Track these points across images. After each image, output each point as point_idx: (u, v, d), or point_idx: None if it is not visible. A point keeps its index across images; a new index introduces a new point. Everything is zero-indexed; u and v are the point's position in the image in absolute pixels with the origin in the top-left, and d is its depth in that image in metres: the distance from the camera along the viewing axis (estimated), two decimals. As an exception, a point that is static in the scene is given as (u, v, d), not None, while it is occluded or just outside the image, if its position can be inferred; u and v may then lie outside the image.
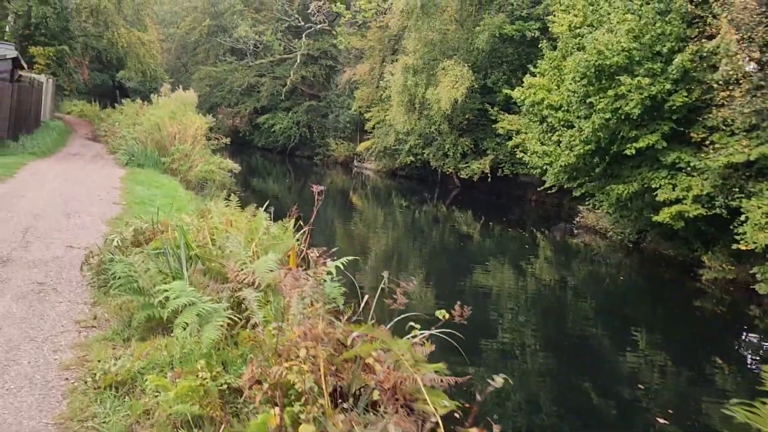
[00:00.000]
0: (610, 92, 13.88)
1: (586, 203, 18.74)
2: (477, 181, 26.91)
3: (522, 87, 18.36)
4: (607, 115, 13.96)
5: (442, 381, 2.47)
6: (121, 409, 3.38)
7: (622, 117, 13.91)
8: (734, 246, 12.32)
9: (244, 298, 3.74)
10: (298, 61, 39.52)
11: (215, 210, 6.84)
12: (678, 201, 13.56)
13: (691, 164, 13.45)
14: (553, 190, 19.65)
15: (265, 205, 7.35)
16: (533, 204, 26.50)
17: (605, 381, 8.16)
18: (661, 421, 6.71)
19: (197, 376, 3.22)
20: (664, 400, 7.52)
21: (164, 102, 19.95)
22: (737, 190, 12.50)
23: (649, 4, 14.02)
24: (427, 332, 3.66)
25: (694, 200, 13.18)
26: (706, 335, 11.21)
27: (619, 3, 14.54)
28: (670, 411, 7.12)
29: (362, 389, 3.20)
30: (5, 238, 7.28)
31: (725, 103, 12.67)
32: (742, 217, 12.08)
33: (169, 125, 17.38)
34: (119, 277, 4.86)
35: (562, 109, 16.28)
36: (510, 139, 23.51)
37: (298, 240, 6.15)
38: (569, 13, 16.98)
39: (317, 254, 2.82)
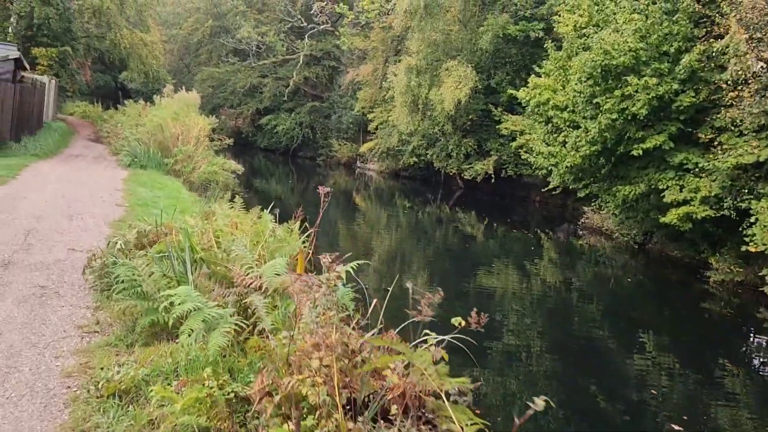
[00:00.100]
0: (617, 92, 13.76)
1: (592, 204, 18.62)
2: (480, 181, 26.80)
3: (527, 87, 18.23)
4: (614, 116, 13.84)
5: (466, 397, 2.36)
6: (125, 419, 3.27)
7: (629, 117, 13.79)
8: (743, 248, 12.18)
9: (251, 303, 3.63)
10: (301, 61, 39.44)
11: (219, 212, 6.74)
12: (685, 202, 13.43)
13: (699, 165, 13.32)
14: (557, 191, 19.53)
15: (270, 207, 7.25)
16: (537, 205, 26.38)
17: (612, 383, 8.05)
18: (676, 427, 6.59)
19: (204, 384, 3.12)
20: (672, 404, 7.40)
21: (167, 103, 19.88)
22: (746, 191, 12.36)
23: (655, 3, 13.90)
24: (439, 336, 3.55)
25: (702, 201, 13.05)
26: (714, 338, 11.09)
27: (625, 3, 14.42)
28: (684, 417, 7.01)
29: (371, 396, 3.10)
30: (7, 241, 7.19)
31: (734, 103, 12.53)
32: (752, 219, 11.94)
33: (171, 126, 17.30)
34: (122, 281, 4.76)
35: (568, 109, 16.15)
36: (514, 139, 23.42)
37: (304, 243, 6.05)
38: (574, 13, 16.86)
39: (329, 260, 2.71)
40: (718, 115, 13.19)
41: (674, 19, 13.53)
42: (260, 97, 41.90)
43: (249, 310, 3.93)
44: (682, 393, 7.93)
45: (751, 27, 11.53)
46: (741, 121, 12.40)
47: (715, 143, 13.26)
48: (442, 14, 26.59)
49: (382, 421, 2.77)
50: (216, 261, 4.91)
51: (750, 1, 11.58)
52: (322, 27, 38.94)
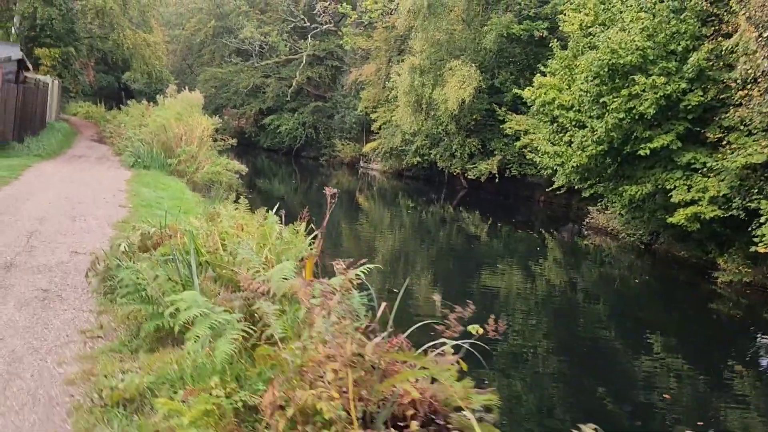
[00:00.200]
0: (624, 92, 13.65)
1: (599, 203, 18.52)
2: (484, 181, 26.70)
3: (532, 87, 18.12)
4: (621, 115, 13.73)
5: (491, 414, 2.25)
6: (130, 430, 3.17)
7: (636, 117, 13.67)
8: (752, 248, 12.06)
9: (258, 308, 3.52)
10: (304, 61, 39.36)
11: (224, 213, 6.63)
12: (693, 202, 13.31)
13: (707, 165, 13.20)
14: (561, 191, 19.43)
15: (275, 208, 7.15)
16: (541, 204, 26.28)
17: (620, 385, 7.96)
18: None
19: (211, 394, 3.02)
20: (682, 406, 7.32)
21: (170, 103, 19.81)
22: (756, 191, 12.23)
23: (663, 2, 13.79)
24: (453, 342, 3.45)
25: (710, 201, 12.93)
26: (722, 339, 11.00)
27: (632, 1, 14.32)
28: (694, 420, 6.90)
29: (382, 403, 3.00)
30: (9, 243, 7.10)
31: (743, 102, 12.40)
32: (761, 219, 11.81)
33: (175, 126, 17.22)
34: (126, 285, 4.66)
35: (574, 108, 16.04)
36: (518, 139, 23.34)
37: (310, 245, 5.94)
38: (580, 11, 16.75)
39: (343, 266, 2.61)
40: (727, 115, 13.06)
41: (682, 17, 13.42)
42: (263, 97, 41.83)
43: (256, 315, 3.82)
44: (691, 395, 7.84)
45: (761, 25, 11.39)
46: (750, 120, 12.27)
47: (724, 143, 13.13)
48: (446, 14, 26.48)
49: (393, 429, 2.68)
50: (222, 264, 4.81)
51: (759, -1, 11.44)
52: (325, 27, 38.85)
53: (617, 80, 13.92)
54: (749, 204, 12.37)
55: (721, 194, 12.79)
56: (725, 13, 13.19)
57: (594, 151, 14.96)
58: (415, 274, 13.33)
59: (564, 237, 20.48)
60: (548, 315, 11.09)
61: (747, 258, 13.14)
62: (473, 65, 25.28)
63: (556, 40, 18.75)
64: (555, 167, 17.71)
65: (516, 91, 20.95)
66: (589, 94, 14.86)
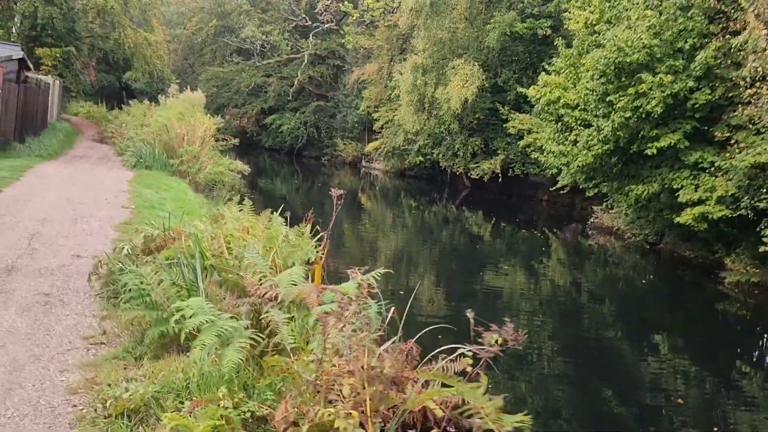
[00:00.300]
0: (631, 90, 13.51)
1: (605, 202, 18.40)
2: (487, 181, 26.57)
3: (537, 85, 17.98)
4: (628, 114, 13.60)
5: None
6: (135, 442, 3.07)
7: (643, 116, 13.54)
8: (760, 248, 11.94)
9: (266, 315, 3.41)
10: (306, 61, 39.21)
11: (229, 215, 6.52)
12: (701, 202, 13.18)
13: (715, 164, 13.07)
14: (564, 191, 19.31)
15: (279, 209, 7.04)
16: (544, 204, 26.16)
17: (626, 387, 7.86)
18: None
19: (219, 405, 2.91)
20: (689, 408, 7.19)
21: (172, 103, 19.70)
22: (764, 190, 12.09)
23: (669, -1, 13.64)
24: (466, 347, 3.33)
25: (718, 201, 12.80)
26: (729, 339, 10.89)
27: (638, -1, 14.16)
28: (703, 422, 6.80)
29: (392, 410, 2.89)
30: (11, 245, 7.00)
31: (751, 100, 12.26)
32: (771, 219, 11.69)
33: (177, 126, 17.11)
34: (130, 290, 4.55)
35: (579, 107, 15.91)
36: (521, 138, 23.21)
37: (315, 248, 5.83)
38: (585, 9, 16.60)
39: (359, 275, 2.50)
40: (735, 113, 12.92)
41: (689, 14, 13.26)
42: (265, 97, 41.71)
43: (264, 322, 3.71)
44: (698, 396, 7.73)
45: (770, 22, 11.26)
46: (759, 118, 12.14)
47: (732, 142, 12.99)
48: (449, 12, 26.31)
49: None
50: (227, 268, 4.70)
51: (768, -4, 11.31)
52: (326, 26, 38.72)
53: (624, 78, 13.78)
54: (758, 204, 12.24)
55: (729, 194, 12.65)
56: (733, 10, 13.05)
57: (600, 151, 14.83)
58: (418, 274, 13.23)
59: (567, 237, 20.35)
60: (553, 315, 10.98)
61: (755, 258, 13.01)
62: (476, 64, 25.13)
63: (560, 38, 18.61)
64: (560, 167, 17.57)
65: (520, 89, 20.84)
66: (595, 93, 14.73)
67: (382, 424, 2.30)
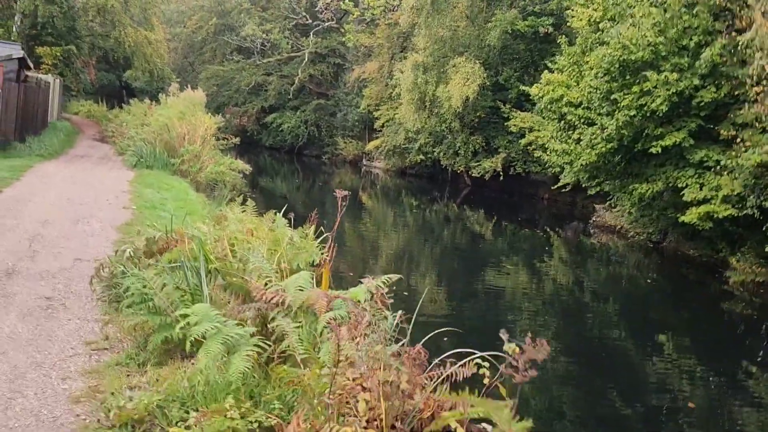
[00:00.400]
0: (635, 88, 13.41)
1: (608, 201, 18.32)
2: (488, 179, 26.49)
3: (539, 84, 17.89)
4: (632, 112, 13.50)
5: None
6: (139, 454, 2.98)
7: (648, 114, 13.44)
8: (766, 248, 11.86)
9: (274, 323, 3.32)
10: (306, 59, 39.08)
11: (232, 216, 6.43)
12: (706, 201, 13.09)
13: (720, 163, 12.96)
14: (566, 189, 19.22)
15: (282, 210, 6.95)
16: (546, 202, 26.09)
17: (630, 387, 7.78)
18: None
19: (225, 416, 2.82)
20: (695, 409, 7.11)
21: (172, 102, 19.58)
22: (772, 189, 12.01)
23: (674, -4, 13.52)
24: (478, 353, 3.25)
25: (724, 200, 12.70)
26: (734, 339, 10.82)
27: (642, -4, 14.05)
28: (708, 422, 6.74)
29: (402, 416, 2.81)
30: (11, 248, 6.91)
31: (757, 99, 12.15)
32: (777, 218, 11.60)
33: (178, 125, 17.01)
34: (132, 294, 4.46)
35: (582, 106, 15.81)
36: (522, 137, 23.12)
37: (320, 250, 5.74)
38: (588, 7, 16.50)
39: (373, 283, 2.41)
40: (741, 112, 12.81)
41: (694, 12, 13.15)
42: (265, 95, 41.60)
43: (270, 328, 3.62)
44: (703, 396, 7.66)
45: (776, 20, 11.14)
46: (765, 117, 12.03)
47: (737, 140, 12.87)
48: (450, 10, 26.19)
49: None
50: (232, 272, 4.61)
51: (775, -7, 11.19)
52: (327, 24, 38.59)
53: (628, 76, 13.68)
54: (764, 203, 12.16)
55: (734, 193, 12.55)
56: (738, 8, 12.92)
57: (604, 149, 14.74)
58: (420, 274, 13.16)
59: (569, 235, 20.26)
60: (555, 315, 10.91)
61: (760, 257, 12.92)
62: (477, 62, 25.03)
63: (562, 35, 18.52)
64: (562, 165, 17.48)
65: (522, 88, 20.74)
66: (598, 91, 14.64)
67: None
